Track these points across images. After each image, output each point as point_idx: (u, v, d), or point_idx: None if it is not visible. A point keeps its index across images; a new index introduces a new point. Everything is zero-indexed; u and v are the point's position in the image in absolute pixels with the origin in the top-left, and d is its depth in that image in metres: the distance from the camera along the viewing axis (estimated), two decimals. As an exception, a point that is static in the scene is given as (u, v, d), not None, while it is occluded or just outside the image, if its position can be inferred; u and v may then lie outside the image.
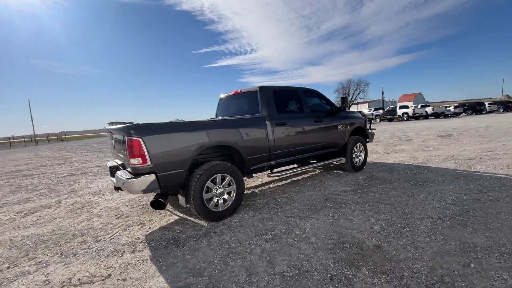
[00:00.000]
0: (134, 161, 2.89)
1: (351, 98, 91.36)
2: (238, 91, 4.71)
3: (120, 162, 3.61)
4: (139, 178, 2.88)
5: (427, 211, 3.37)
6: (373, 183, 4.80)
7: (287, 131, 4.28)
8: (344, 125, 5.36)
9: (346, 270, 2.26)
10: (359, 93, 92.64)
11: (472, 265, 2.21)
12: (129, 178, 2.88)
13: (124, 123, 3.16)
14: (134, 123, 2.95)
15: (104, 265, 2.61)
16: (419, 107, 31.11)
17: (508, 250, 2.38)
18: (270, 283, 2.17)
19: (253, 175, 4.75)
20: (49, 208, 4.66)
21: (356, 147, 5.66)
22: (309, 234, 2.97)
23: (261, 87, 4.25)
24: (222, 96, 5.30)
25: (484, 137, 9.99)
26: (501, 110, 34.93)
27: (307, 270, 2.31)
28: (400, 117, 31.94)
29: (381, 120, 32.91)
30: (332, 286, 2.07)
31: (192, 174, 3.31)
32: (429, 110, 30.05)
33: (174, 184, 3.17)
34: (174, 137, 3.10)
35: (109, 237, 3.27)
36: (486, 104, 34.21)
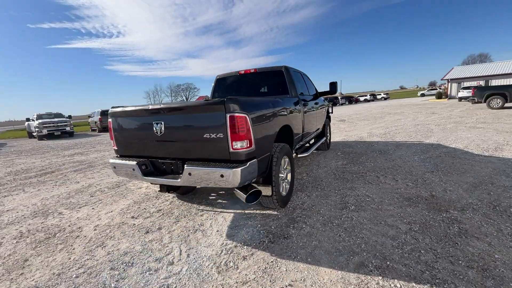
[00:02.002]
0: (238, 144, 2.27)
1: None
2: (252, 70, 4.35)
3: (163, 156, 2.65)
4: (246, 165, 2.29)
5: (418, 168, 4.51)
6: (354, 156, 5.74)
7: (307, 111, 4.41)
8: (325, 108, 6.02)
9: (444, 214, 2.82)
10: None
11: (492, 193, 3.29)
12: (235, 167, 2.23)
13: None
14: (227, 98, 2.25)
15: (237, 282, 1.99)
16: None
17: (492, 180, 3.66)
18: (416, 238, 2.41)
19: None
20: (-24, 251, 2.71)
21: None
22: (378, 199, 3.35)
23: (286, 67, 4.15)
24: (221, 76, 4.69)
25: (367, 120, 13.58)
26: (347, 103, 47.68)
27: (421, 222, 2.70)
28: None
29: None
30: (451, 226, 2.56)
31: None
32: (307, 102, 36.97)
33: (263, 170, 2.71)
34: (268, 115, 2.62)
35: (180, 254, 2.41)
36: (339, 98, 45.72)
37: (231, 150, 2.30)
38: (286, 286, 1.93)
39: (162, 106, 2.51)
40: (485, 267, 1.97)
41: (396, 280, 1.91)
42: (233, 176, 2.24)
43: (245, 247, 2.48)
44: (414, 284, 1.85)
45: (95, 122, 19.24)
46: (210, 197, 3.85)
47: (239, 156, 2.32)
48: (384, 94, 54.88)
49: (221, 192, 4.03)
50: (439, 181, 3.85)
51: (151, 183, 3.35)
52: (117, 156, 3.08)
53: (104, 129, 18.96)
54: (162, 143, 2.62)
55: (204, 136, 2.35)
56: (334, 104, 44.31)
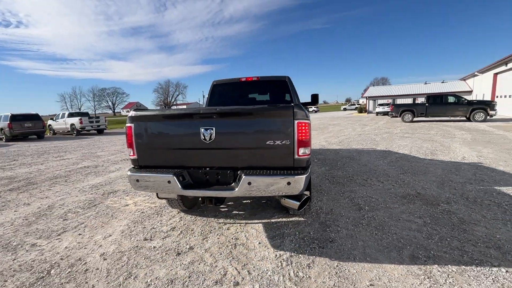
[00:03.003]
0: (302, 150, 2.27)
1: (171, 100, 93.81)
2: (254, 78, 4.32)
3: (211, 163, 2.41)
4: (308, 171, 2.29)
5: (391, 171, 5.26)
6: (330, 162, 6.27)
7: (305, 121, 4.64)
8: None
9: (439, 208, 3.39)
10: (178, 95, 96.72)
11: (456, 188, 4.12)
12: (299, 174, 2.21)
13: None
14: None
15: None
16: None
17: (449, 178, 4.58)
18: (435, 229, 2.84)
19: None
20: None
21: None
22: (381, 199, 3.78)
23: (288, 77, 4.30)
24: (219, 82, 4.48)
25: (315, 130, 14.93)
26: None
27: (428, 215, 3.18)
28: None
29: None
30: (452, 217, 3.11)
31: None
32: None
33: None
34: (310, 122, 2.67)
35: (239, 272, 2.21)
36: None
37: (296, 157, 2.27)
38: (369, 286, 2.00)
39: (217, 110, 2.29)
40: (497, 245, 2.49)
41: (449, 265, 2.21)
42: (299, 183, 2.22)
43: (301, 255, 2.44)
44: (464, 267, 2.19)
45: (1, 129, 15.33)
46: (222, 209, 3.61)
47: (302, 163, 2.31)
48: (314, 107, 61.30)
49: (229, 203, 3.82)
50: (413, 181, 4.59)
51: (189, 196, 2.95)
52: (135, 167, 2.60)
53: (14, 137, 15.30)
54: (210, 151, 2.37)
55: (267, 143, 2.26)
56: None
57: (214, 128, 2.31)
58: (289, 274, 2.17)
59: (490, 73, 21.35)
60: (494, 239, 2.59)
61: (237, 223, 3.18)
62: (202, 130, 2.32)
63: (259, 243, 2.69)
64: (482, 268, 2.16)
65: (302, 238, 2.74)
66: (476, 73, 25.22)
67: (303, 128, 2.24)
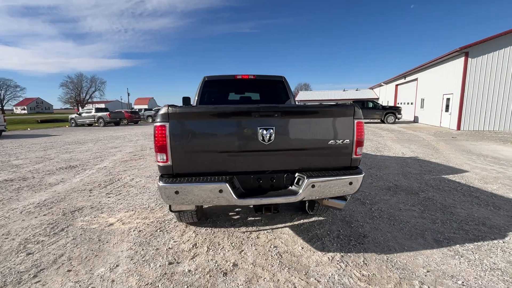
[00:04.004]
0: (358, 150, 2.29)
1: (85, 97, 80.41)
2: (251, 76, 4.11)
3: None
4: (362, 170, 2.33)
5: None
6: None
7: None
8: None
9: (419, 196, 3.97)
10: (94, 91, 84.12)
11: (418, 179, 4.93)
12: (357, 173, 2.23)
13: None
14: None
15: (395, 284, 2.02)
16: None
17: (407, 171, 5.44)
18: (432, 215, 3.32)
19: None
20: None
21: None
22: (373, 193, 4.18)
23: (284, 77, 4.27)
24: (211, 78, 4.06)
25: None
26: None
27: (418, 203, 3.70)
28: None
29: (106, 124, 21.83)
30: (434, 203, 3.71)
31: None
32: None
33: None
34: None
35: (307, 283, 2.06)
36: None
37: (353, 156, 2.29)
38: (427, 273, 2.18)
39: (279, 107, 2.06)
40: (481, 222, 3.09)
41: (466, 243, 2.62)
42: (358, 182, 2.25)
43: (350, 254, 2.46)
44: (476, 243, 2.63)
45: None
46: (234, 217, 3.31)
47: (357, 162, 2.34)
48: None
49: (237, 209, 3.53)
50: (383, 174, 5.26)
51: (244, 205, 2.58)
52: (164, 176, 2.09)
53: None
54: (267, 153, 2.12)
55: (329, 142, 2.18)
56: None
57: (273, 128, 2.09)
58: (355, 275, 2.15)
59: (393, 84, 26.44)
60: (476, 217, 3.21)
61: (262, 229, 2.97)
62: (261, 130, 2.07)
63: (302, 248, 2.58)
64: (488, 242, 2.65)
65: (337, 237, 2.77)
66: (382, 83, 30.80)
67: (361, 127, 2.28)
